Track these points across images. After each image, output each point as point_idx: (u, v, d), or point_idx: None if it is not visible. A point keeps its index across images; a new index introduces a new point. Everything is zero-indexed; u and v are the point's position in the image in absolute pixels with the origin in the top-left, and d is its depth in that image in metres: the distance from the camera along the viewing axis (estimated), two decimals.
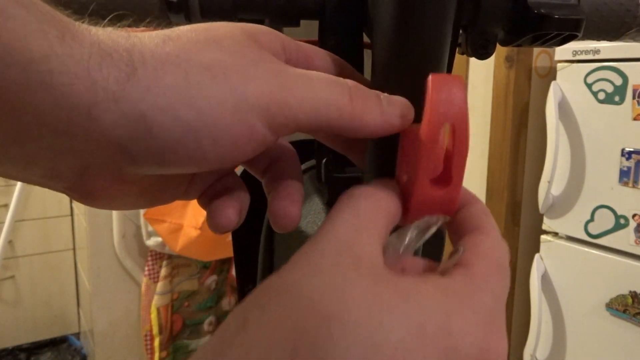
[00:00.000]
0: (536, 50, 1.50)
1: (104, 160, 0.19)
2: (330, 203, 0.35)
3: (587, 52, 1.30)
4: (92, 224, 1.67)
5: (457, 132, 0.20)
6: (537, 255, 1.44)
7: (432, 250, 0.39)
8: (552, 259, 1.42)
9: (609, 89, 1.27)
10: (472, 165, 1.61)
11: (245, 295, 0.46)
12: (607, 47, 1.26)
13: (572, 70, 1.34)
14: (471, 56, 0.31)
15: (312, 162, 0.39)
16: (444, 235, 0.39)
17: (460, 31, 0.32)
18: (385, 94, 0.23)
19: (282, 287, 0.17)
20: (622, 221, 1.27)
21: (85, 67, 0.16)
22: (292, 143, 0.44)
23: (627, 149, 1.25)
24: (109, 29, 0.18)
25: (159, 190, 0.24)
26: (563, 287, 1.40)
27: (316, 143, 0.36)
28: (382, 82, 0.25)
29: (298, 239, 0.36)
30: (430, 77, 0.20)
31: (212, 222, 0.24)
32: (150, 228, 1.62)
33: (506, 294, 0.20)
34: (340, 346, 0.15)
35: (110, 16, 0.30)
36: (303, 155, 0.40)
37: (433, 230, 0.22)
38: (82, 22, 0.18)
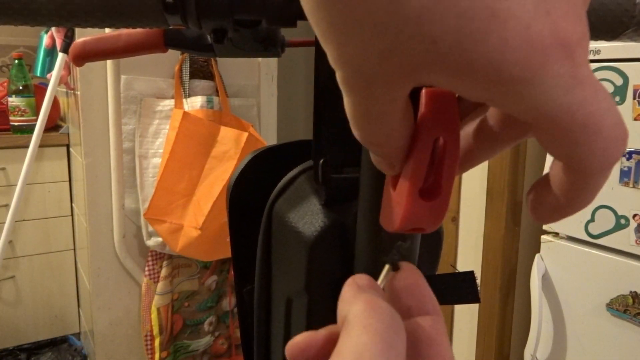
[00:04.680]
0: None
1: None
2: (327, 204, 0.35)
3: None
4: (93, 224, 1.67)
5: (448, 146, 0.20)
6: (537, 256, 1.44)
7: (428, 258, 0.39)
8: (552, 259, 1.42)
9: (610, 89, 1.27)
10: None
11: (243, 295, 0.46)
12: (607, 47, 1.26)
13: None
14: None
15: (310, 162, 0.39)
16: (441, 243, 0.39)
17: None
18: None
19: None
20: (622, 221, 1.27)
21: None
22: (291, 143, 0.44)
23: (628, 149, 1.24)
24: None
25: None
26: (563, 287, 1.40)
27: (314, 144, 0.35)
28: None
29: (295, 239, 0.36)
30: (422, 91, 0.20)
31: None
32: (150, 228, 1.62)
33: None
34: None
35: (107, 17, 0.30)
36: (301, 155, 0.40)
37: None
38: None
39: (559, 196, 0.20)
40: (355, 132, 0.20)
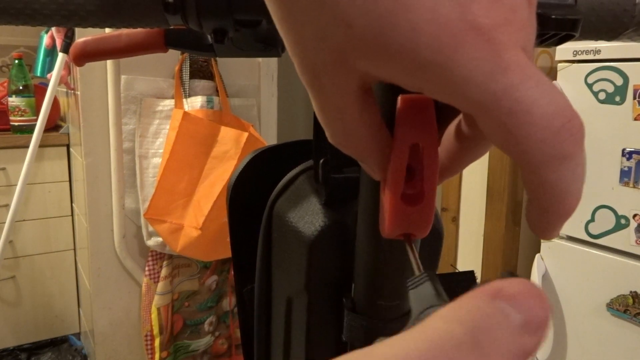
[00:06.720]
0: (536, 50, 1.50)
1: None
2: (327, 203, 0.35)
3: (587, 52, 1.30)
4: (93, 224, 1.67)
5: (426, 151, 0.20)
6: (537, 256, 1.44)
7: (428, 257, 0.39)
8: (552, 259, 1.42)
9: (610, 89, 1.27)
10: (473, 166, 1.61)
11: (244, 295, 0.46)
12: (607, 47, 1.26)
13: (573, 70, 1.34)
14: None
15: (310, 162, 0.39)
16: (441, 242, 0.39)
17: None
18: None
19: None
20: (622, 221, 1.27)
21: None
22: (291, 143, 0.44)
23: (628, 149, 1.24)
24: None
25: None
26: (564, 287, 1.40)
27: (314, 143, 0.36)
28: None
29: (295, 239, 0.36)
30: (399, 98, 0.20)
31: None
32: (150, 228, 1.62)
33: None
34: None
35: (108, 17, 0.30)
36: (301, 155, 0.40)
37: None
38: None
39: (533, 203, 0.19)
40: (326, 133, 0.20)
